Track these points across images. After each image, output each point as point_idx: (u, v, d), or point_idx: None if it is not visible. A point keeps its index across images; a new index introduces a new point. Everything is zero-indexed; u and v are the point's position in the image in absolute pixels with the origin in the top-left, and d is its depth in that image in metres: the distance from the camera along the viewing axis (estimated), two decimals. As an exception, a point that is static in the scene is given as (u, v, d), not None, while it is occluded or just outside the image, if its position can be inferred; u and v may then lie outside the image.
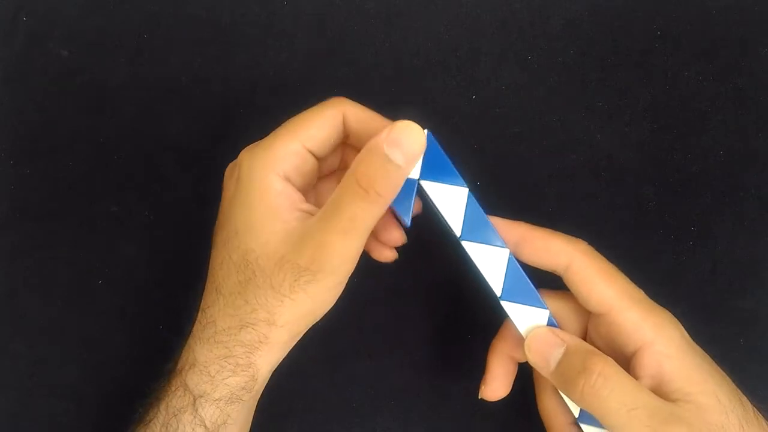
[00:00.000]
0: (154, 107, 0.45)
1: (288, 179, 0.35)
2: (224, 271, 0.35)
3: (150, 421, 0.35)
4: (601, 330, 0.35)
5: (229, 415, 0.35)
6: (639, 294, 0.35)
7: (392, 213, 0.36)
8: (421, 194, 0.35)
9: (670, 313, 0.35)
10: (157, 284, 0.44)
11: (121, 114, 0.45)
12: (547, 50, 0.45)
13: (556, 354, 0.34)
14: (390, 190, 0.33)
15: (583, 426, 0.35)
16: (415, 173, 0.34)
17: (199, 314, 0.36)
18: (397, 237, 0.38)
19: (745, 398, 0.33)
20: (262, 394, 0.37)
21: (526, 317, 0.35)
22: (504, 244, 0.35)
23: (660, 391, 0.33)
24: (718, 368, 0.34)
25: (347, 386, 0.44)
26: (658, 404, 0.32)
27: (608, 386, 0.32)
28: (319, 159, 0.37)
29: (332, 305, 0.35)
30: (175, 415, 0.34)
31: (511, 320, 0.36)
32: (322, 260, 0.33)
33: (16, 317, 0.45)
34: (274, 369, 0.36)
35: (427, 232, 0.44)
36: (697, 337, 0.35)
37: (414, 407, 0.44)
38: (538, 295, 0.35)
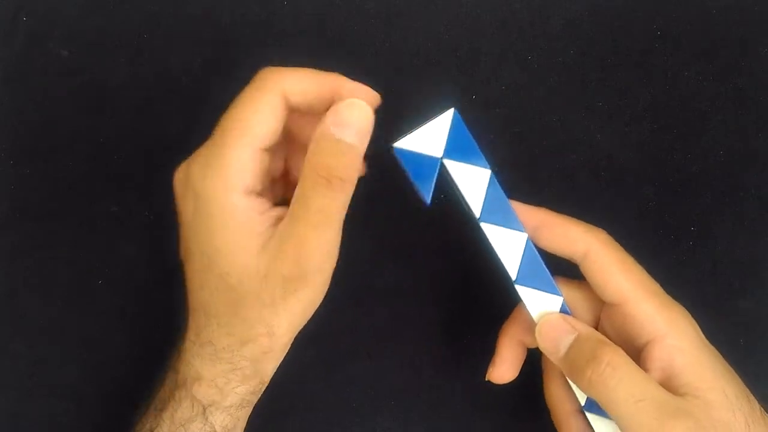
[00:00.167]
0: (154, 107, 0.45)
1: (250, 191, 0.33)
2: (207, 293, 0.34)
3: (153, 431, 0.34)
4: (615, 320, 0.35)
5: (239, 419, 0.35)
6: (655, 286, 0.35)
7: (413, 189, 0.35)
8: (443, 173, 0.35)
9: (684, 309, 0.35)
10: (157, 284, 0.44)
11: (121, 114, 0.45)
12: (547, 50, 0.45)
13: (567, 341, 0.34)
14: (350, 172, 0.32)
15: (588, 414, 0.35)
16: (438, 151, 0.34)
17: (190, 333, 0.35)
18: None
19: (752, 397, 0.33)
20: (261, 395, 0.37)
21: (540, 302, 0.35)
22: (523, 228, 0.35)
23: (668, 385, 0.33)
24: (728, 366, 0.34)
25: (347, 386, 0.44)
26: (666, 397, 0.32)
27: (616, 376, 0.32)
28: (272, 149, 0.35)
29: (323, 296, 0.35)
30: (182, 425, 0.34)
31: (524, 304, 0.35)
32: (303, 263, 0.32)
33: (16, 317, 0.45)
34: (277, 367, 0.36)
35: (427, 232, 0.44)
36: (697, 337, 0.35)
37: (414, 407, 0.44)
38: (553, 282, 0.35)
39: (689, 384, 0.32)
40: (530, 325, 0.36)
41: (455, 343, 0.45)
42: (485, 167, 0.34)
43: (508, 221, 0.35)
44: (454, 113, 0.34)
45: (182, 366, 0.35)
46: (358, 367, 0.44)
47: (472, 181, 0.34)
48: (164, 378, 0.36)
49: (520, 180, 0.45)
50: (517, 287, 0.35)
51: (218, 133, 0.33)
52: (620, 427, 0.32)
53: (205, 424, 0.34)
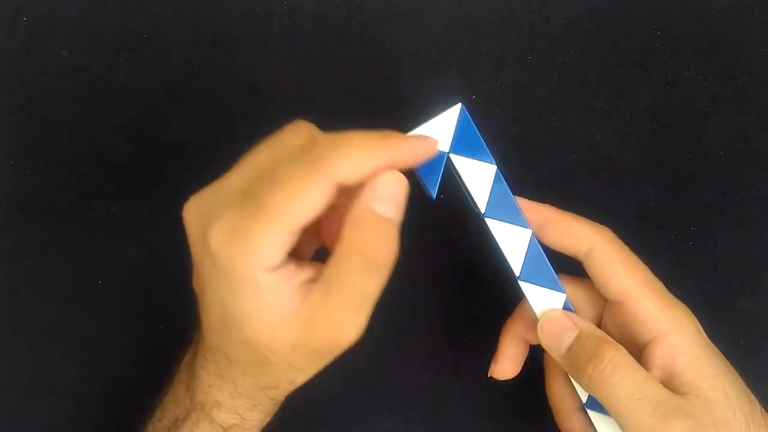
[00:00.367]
0: (154, 107, 0.45)
1: (277, 267, 0.30)
2: (232, 348, 0.32)
3: None
4: (617, 318, 0.35)
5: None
6: (658, 285, 0.35)
7: (418, 182, 0.35)
8: (449, 168, 0.34)
9: (687, 308, 0.35)
10: (157, 284, 0.44)
11: (121, 114, 0.45)
12: (547, 50, 0.45)
13: (568, 338, 0.34)
14: (393, 252, 0.31)
15: (589, 412, 0.35)
16: (445, 146, 0.34)
17: (209, 365, 0.33)
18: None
19: (753, 397, 0.33)
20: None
21: (543, 299, 0.35)
22: (527, 225, 0.35)
23: (669, 384, 0.33)
24: (730, 366, 0.34)
25: (347, 386, 0.44)
26: (666, 396, 0.32)
27: (617, 374, 0.32)
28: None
29: None
30: None
31: (527, 301, 0.35)
32: (337, 342, 0.31)
33: (16, 317, 0.45)
34: None
35: (428, 232, 0.44)
36: (697, 337, 0.35)
37: (414, 407, 0.44)
38: (557, 278, 0.35)
39: (690, 383, 0.32)
40: (533, 322, 0.36)
41: (455, 343, 0.45)
42: (491, 163, 0.34)
43: (513, 217, 0.35)
44: (462, 108, 0.34)
45: (199, 390, 0.34)
46: (359, 367, 0.44)
47: (478, 177, 0.34)
48: (174, 392, 0.35)
49: (520, 180, 0.45)
50: (521, 283, 0.35)
51: (252, 201, 0.29)
52: (620, 425, 0.32)
53: None
